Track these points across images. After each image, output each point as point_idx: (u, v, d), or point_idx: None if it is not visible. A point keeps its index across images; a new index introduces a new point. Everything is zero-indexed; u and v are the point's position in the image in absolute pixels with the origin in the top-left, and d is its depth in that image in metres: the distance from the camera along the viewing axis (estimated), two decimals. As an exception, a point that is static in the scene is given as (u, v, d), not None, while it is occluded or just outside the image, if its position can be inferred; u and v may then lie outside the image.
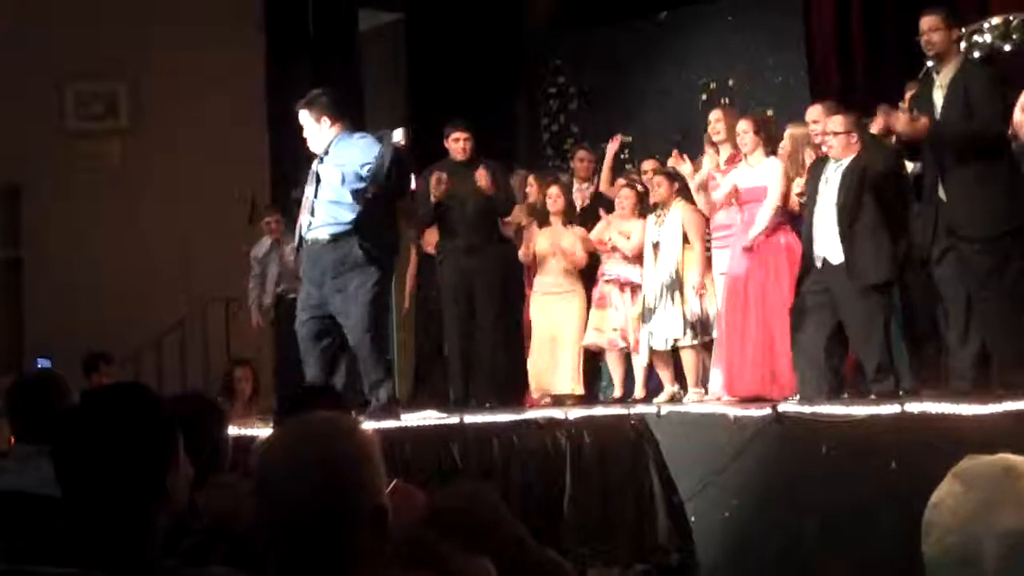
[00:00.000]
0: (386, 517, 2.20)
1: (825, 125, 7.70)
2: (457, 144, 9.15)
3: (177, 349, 11.00)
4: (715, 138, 8.82)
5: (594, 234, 9.18)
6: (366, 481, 2.19)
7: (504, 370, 9.21)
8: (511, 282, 9.39)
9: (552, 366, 9.08)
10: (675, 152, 8.84)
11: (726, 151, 8.72)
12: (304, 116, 7.51)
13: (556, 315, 9.13)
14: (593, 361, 9.34)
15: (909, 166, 7.50)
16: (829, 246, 7.47)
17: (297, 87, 11.23)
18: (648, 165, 9.76)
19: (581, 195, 9.78)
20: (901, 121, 6.97)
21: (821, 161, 7.68)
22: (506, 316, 9.25)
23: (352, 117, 11.58)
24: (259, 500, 2.20)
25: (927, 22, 7.03)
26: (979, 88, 6.84)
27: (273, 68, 11.68)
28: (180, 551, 2.65)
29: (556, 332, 9.12)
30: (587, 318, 9.12)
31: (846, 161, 7.46)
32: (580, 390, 9.07)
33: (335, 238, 7.31)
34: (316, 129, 7.46)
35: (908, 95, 7.82)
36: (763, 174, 8.16)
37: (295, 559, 2.15)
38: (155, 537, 2.42)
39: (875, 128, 7.94)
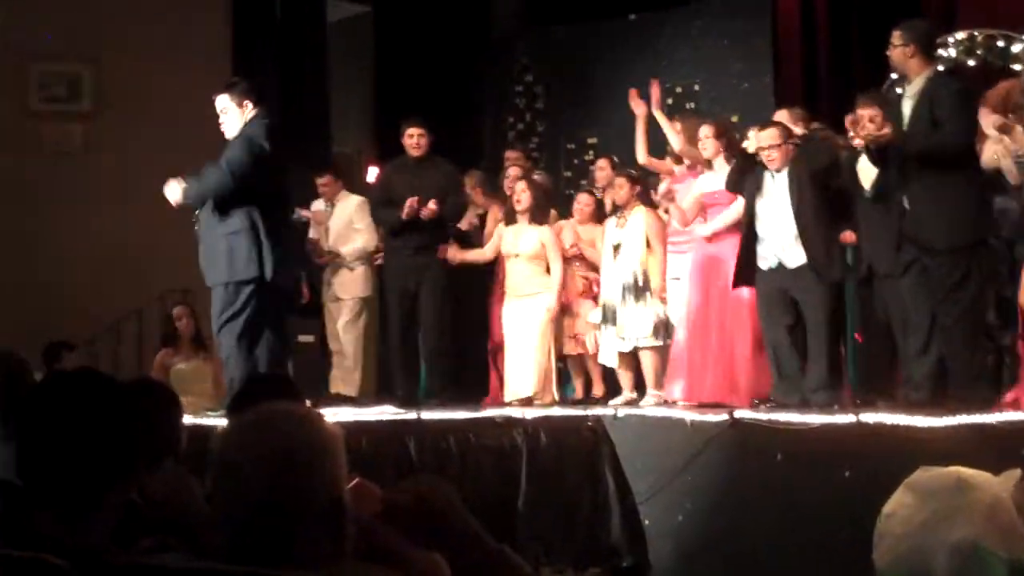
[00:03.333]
0: (344, 510, 2.19)
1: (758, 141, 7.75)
2: (411, 140, 9.07)
3: (135, 338, 10.91)
4: (675, 147, 8.90)
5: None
6: (325, 473, 2.19)
7: (448, 372, 9.14)
8: (460, 283, 9.30)
9: (518, 369, 8.99)
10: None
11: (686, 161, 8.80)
12: (223, 100, 7.55)
13: (523, 318, 8.98)
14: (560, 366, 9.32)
15: (871, 174, 7.53)
16: (784, 251, 7.52)
17: (264, 76, 11.22)
18: (602, 163, 9.78)
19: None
20: (864, 126, 7.00)
21: (756, 173, 7.72)
22: (450, 317, 9.16)
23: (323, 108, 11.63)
24: (216, 487, 2.19)
25: (893, 37, 7.09)
26: (947, 101, 6.88)
27: (239, 59, 11.63)
28: (132, 540, 2.63)
29: (524, 335, 8.96)
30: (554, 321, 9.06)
31: (785, 170, 7.54)
32: (553, 393, 8.91)
33: None
34: (238, 113, 7.51)
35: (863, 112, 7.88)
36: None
37: (250, 547, 2.14)
38: (109, 524, 2.41)
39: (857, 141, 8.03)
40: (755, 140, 7.76)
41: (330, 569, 2.16)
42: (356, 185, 10.85)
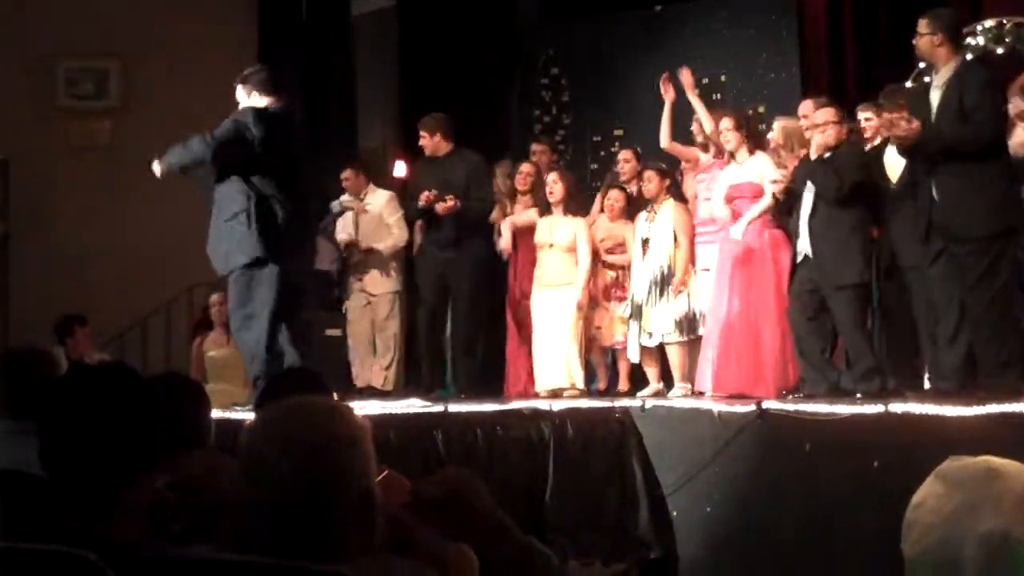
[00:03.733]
0: (373, 502, 2.20)
1: (812, 119, 7.73)
2: (425, 141, 9.14)
3: (163, 331, 10.96)
4: (697, 139, 8.88)
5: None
6: (354, 465, 2.19)
7: (481, 364, 9.19)
8: (490, 276, 9.33)
9: (549, 360, 8.98)
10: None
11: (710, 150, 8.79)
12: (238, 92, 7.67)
13: (554, 308, 8.99)
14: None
15: (898, 167, 7.50)
16: (806, 241, 7.54)
17: (289, 71, 11.23)
18: (627, 154, 9.76)
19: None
20: (898, 126, 6.93)
21: (807, 159, 7.72)
22: (482, 310, 9.20)
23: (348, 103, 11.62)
24: (245, 478, 2.20)
25: (922, 25, 7.05)
26: (975, 90, 6.84)
27: (266, 52, 11.64)
28: (163, 527, 2.65)
29: (555, 326, 8.97)
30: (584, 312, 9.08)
31: (826, 156, 7.52)
32: (581, 384, 8.92)
33: None
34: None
35: (886, 97, 7.85)
36: (751, 171, 8.17)
37: (280, 539, 2.15)
38: (137, 515, 2.42)
39: (869, 132, 7.98)
40: (803, 122, 7.74)
41: (359, 561, 2.16)
42: (383, 179, 10.87)
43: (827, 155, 7.53)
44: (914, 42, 7.07)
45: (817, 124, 7.59)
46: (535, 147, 10.44)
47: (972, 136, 6.76)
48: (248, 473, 2.21)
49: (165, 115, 11.22)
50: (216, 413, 4.14)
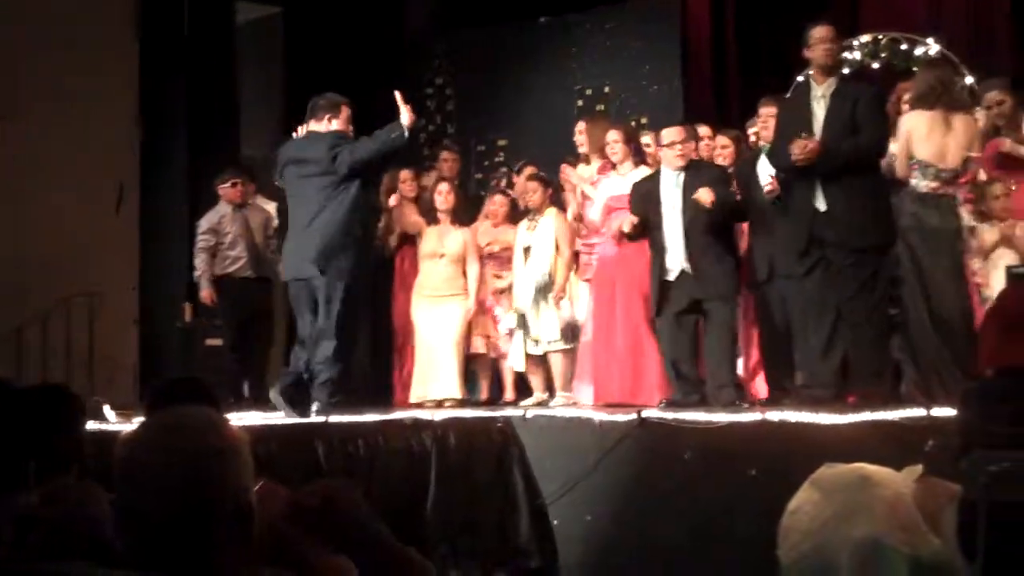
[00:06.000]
0: (251, 514, 2.18)
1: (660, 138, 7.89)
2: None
3: (39, 342, 10.74)
4: (580, 149, 8.93)
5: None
6: (232, 477, 2.17)
7: (366, 374, 9.15)
8: (375, 286, 9.28)
9: (435, 371, 8.98)
10: (564, 167, 8.90)
11: (596, 162, 8.82)
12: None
13: (439, 319, 9.01)
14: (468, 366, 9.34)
15: (766, 177, 7.63)
16: (680, 258, 7.65)
17: (172, 79, 11.09)
18: (529, 171, 9.80)
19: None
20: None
21: (657, 173, 7.84)
22: (369, 320, 9.16)
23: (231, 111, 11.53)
24: (121, 490, 2.17)
25: (824, 32, 7.16)
26: (866, 105, 6.99)
27: (147, 59, 11.48)
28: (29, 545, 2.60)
29: (439, 336, 8.98)
30: (469, 322, 9.10)
31: (683, 174, 7.64)
32: (459, 395, 8.94)
33: None
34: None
35: (764, 111, 7.98)
36: (631, 184, 8.22)
37: (155, 552, 2.12)
38: (7, 532, 2.37)
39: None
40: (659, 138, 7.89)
41: (236, 574, 2.15)
42: (269, 188, 10.77)
43: (686, 173, 7.64)
44: (826, 48, 7.13)
45: (663, 144, 7.72)
46: (445, 155, 10.35)
47: (867, 149, 6.91)
48: (123, 484, 2.18)
49: (43, 123, 11.00)
50: (90, 425, 4.07)
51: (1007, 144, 7.59)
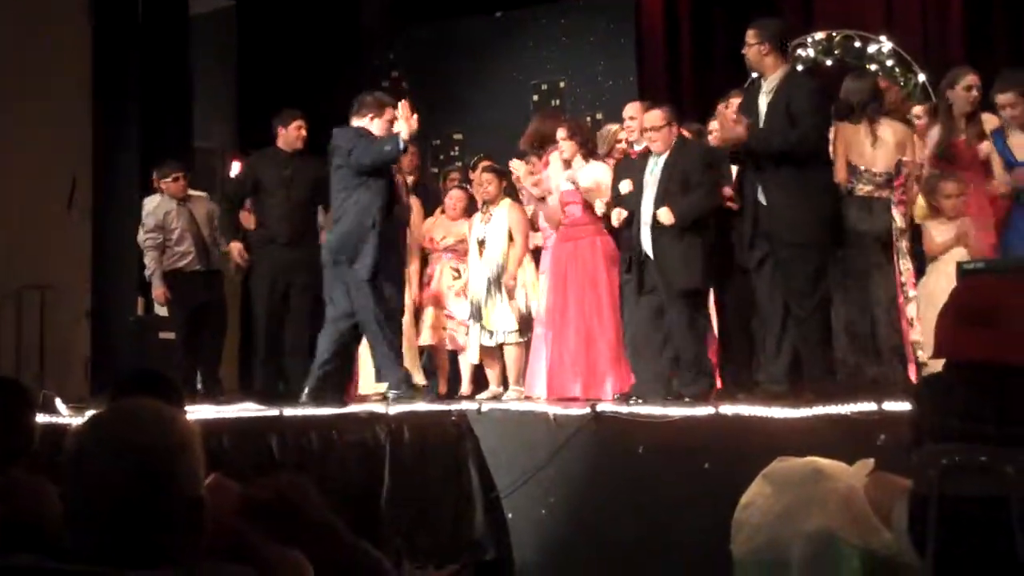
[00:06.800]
0: (202, 509, 2.17)
1: (642, 121, 7.84)
2: (299, 132, 9.07)
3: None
4: (529, 146, 8.94)
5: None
6: (183, 471, 2.16)
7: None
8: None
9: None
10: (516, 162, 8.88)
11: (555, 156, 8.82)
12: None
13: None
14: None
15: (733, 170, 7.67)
16: (648, 243, 7.63)
17: (124, 70, 11.00)
18: (484, 163, 9.79)
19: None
20: (723, 124, 7.14)
21: (643, 157, 7.82)
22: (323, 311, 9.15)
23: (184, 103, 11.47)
24: (71, 483, 2.15)
25: (748, 35, 7.25)
26: (802, 98, 7.05)
27: (100, 51, 11.37)
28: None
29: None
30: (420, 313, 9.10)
31: (663, 157, 7.62)
32: (422, 381, 9.00)
33: None
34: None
35: (729, 102, 8.00)
36: (584, 178, 8.23)
37: (106, 545, 2.10)
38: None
39: (712, 139, 8.11)
40: (642, 120, 7.86)
41: (187, 568, 2.13)
42: (220, 181, 10.72)
43: (668, 157, 7.61)
44: (743, 52, 7.27)
45: (646, 128, 7.70)
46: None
47: (798, 142, 6.96)
48: (73, 478, 2.16)
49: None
50: (41, 418, 4.03)
51: (984, 149, 7.60)
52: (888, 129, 7.26)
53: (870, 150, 7.19)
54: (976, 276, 6.12)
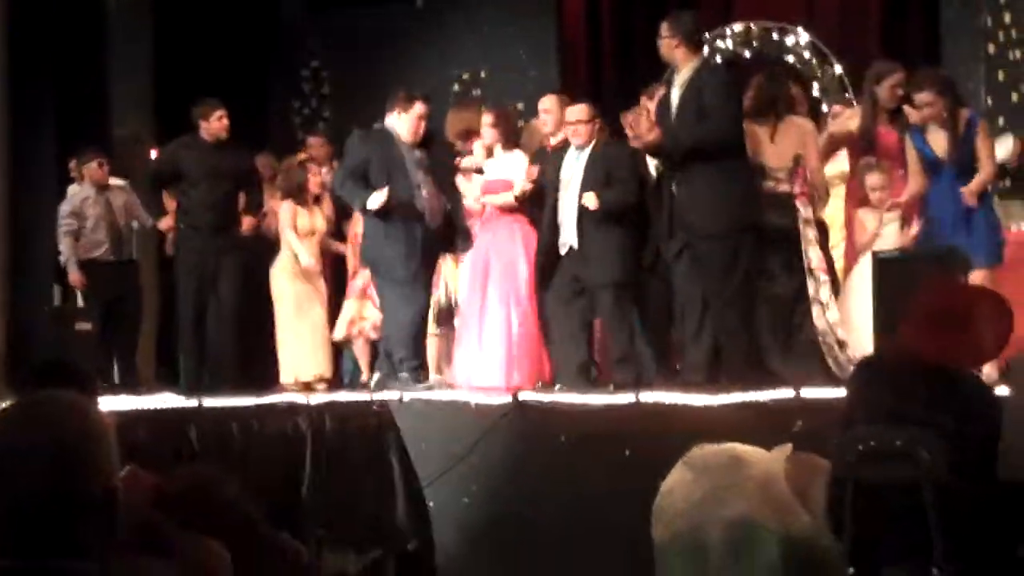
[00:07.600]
0: (116, 499, 2.15)
1: (559, 115, 7.88)
2: (221, 123, 8.99)
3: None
4: (451, 135, 8.94)
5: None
6: (97, 463, 2.13)
7: (245, 357, 9.08)
8: (256, 266, 9.23)
9: (302, 350, 8.99)
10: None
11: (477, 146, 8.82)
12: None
13: (305, 298, 9.07)
14: (337, 345, 9.32)
15: (652, 163, 7.72)
16: (573, 234, 7.65)
17: (40, 59, 10.84)
18: None
19: (321, 179, 9.63)
20: (641, 127, 7.17)
21: (561, 148, 7.85)
22: (249, 300, 9.10)
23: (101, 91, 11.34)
24: None
25: (660, 29, 7.32)
26: (712, 91, 7.12)
27: (14, 38, 11.18)
28: None
29: (307, 315, 9.05)
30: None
31: (588, 150, 7.65)
32: (328, 373, 9.01)
33: None
34: None
35: (653, 95, 8.04)
36: (505, 167, 8.25)
37: (20, 538, 2.08)
38: None
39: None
40: (559, 113, 7.90)
41: (102, 560, 2.11)
42: (139, 167, 10.58)
43: (592, 152, 7.65)
44: (657, 44, 7.32)
45: (570, 122, 7.72)
46: (312, 140, 10.34)
47: (708, 136, 7.03)
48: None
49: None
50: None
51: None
52: (786, 126, 7.41)
53: (770, 148, 7.32)
54: (902, 269, 6.27)
